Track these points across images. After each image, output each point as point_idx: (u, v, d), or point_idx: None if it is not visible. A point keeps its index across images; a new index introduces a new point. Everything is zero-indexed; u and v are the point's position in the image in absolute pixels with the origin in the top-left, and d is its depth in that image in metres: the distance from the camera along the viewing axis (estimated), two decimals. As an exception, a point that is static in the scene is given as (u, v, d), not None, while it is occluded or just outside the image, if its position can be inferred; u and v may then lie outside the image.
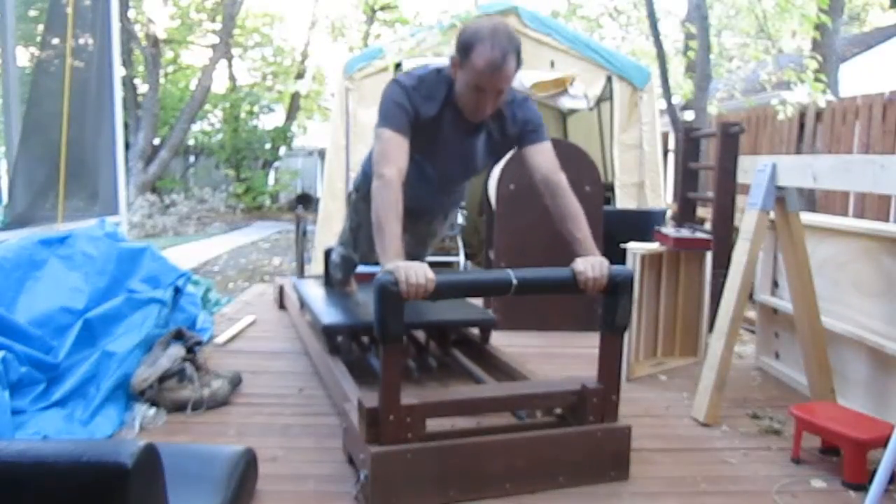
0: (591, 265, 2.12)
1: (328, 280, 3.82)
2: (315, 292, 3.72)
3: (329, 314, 3.16)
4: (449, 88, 2.32)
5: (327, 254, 3.83)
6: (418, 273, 1.94)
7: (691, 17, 7.21)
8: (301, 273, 5.05)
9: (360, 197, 2.91)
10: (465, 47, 2.19)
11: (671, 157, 7.59)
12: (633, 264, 3.19)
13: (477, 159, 2.53)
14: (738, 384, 3.18)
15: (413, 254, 3.07)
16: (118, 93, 4.65)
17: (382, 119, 2.29)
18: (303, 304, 3.78)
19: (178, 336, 2.95)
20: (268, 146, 15.88)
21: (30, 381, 2.52)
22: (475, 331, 3.26)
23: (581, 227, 2.24)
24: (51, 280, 2.94)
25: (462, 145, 2.45)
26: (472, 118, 2.33)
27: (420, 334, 3.42)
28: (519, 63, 2.21)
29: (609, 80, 5.75)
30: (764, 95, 8.41)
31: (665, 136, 7.37)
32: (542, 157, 2.37)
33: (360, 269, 3.54)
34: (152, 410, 2.65)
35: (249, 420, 2.68)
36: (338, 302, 3.47)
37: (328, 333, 2.96)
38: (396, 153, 2.22)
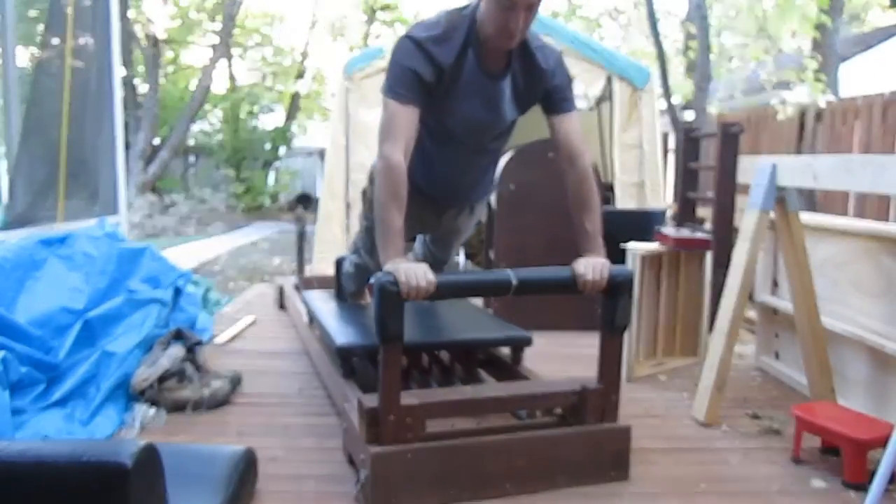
0: (591, 267, 2.10)
1: (339, 292, 3.47)
2: (326, 307, 3.33)
3: (343, 333, 2.80)
4: (470, 26, 2.12)
5: (338, 263, 3.48)
6: (418, 274, 1.92)
7: (691, 17, 7.22)
8: (301, 273, 5.04)
9: (367, 228, 2.75)
10: None
11: (671, 157, 7.60)
12: (633, 264, 3.19)
13: (504, 107, 2.27)
14: (738, 384, 3.18)
15: (439, 258, 2.94)
16: (118, 93, 4.65)
17: (388, 87, 2.11)
18: (312, 320, 3.45)
19: (178, 336, 2.95)
20: (268, 146, 15.90)
21: (30, 381, 2.51)
22: (506, 350, 2.91)
23: (594, 220, 2.18)
24: (51, 280, 2.93)
25: (486, 91, 2.21)
26: (503, 45, 2.10)
27: (444, 355, 3.07)
28: None
29: (609, 80, 5.75)
30: (764, 95, 8.41)
31: (665, 136, 7.37)
32: (571, 127, 2.24)
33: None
34: (152, 410, 2.65)
35: (249, 420, 2.68)
36: (352, 318, 3.08)
37: (343, 356, 2.63)
38: (402, 128, 2.06)
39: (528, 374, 2.69)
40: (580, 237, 2.20)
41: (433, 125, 2.23)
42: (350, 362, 2.63)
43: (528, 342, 2.78)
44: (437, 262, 2.91)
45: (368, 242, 2.77)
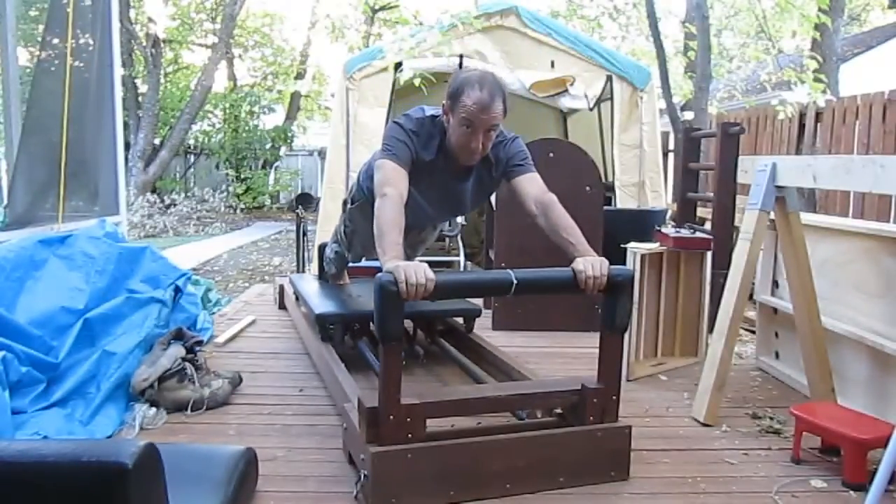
0: (591, 264, 2.13)
1: (322, 274, 4.03)
2: (310, 286, 3.90)
3: (322, 305, 3.34)
4: (442, 136, 2.45)
5: (321, 249, 4.05)
6: (418, 273, 1.94)
7: (691, 17, 7.21)
8: (301, 273, 5.05)
9: (356, 207, 3.07)
10: (456, 92, 2.33)
11: (671, 157, 7.59)
12: (633, 264, 3.19)
13: (466, 201, 2.71)
14: (738, 384, 3.18)
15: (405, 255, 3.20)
16: (118, 93, 4.65)
17: (386, 151, 2.41)
18: (298, 297, 3.98)
19: (178, 336, 2.95)
20: (268, 146, 15.89)
21: (30, 381, 2.51)
22: (460, 321, 3.44)
23: (574, 234, 2.27)
24: (51, 280, 2.93)
25: (454, 189, 2.61)
26: (465, 161, 2.45)
27: (408, 324, 3.46)
28: (506, 108, 2.35)
29: (609, 80, 5.75)
30: (764, 95, 8.42)
31: (665, 136, 7.37)
32: (531, 184, 2.45)
33: (358, 263, 3.76)
34: (152, 410, 2.65)
35: (249, 420, 2.68)
36: (331, 294, 3.64)
37: (321, 322, 3.16)
38: (398, 180, 2.34)
39: (529, 373, 2.69)
40: (569, 250, 2.24)
41: (411, 199, 2.46)
42: (327, 329, 3.15)
43: (478, 314, 3.38)
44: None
45: (346, 242, 3.40)
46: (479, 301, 3.82)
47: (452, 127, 2.38)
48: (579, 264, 2.14)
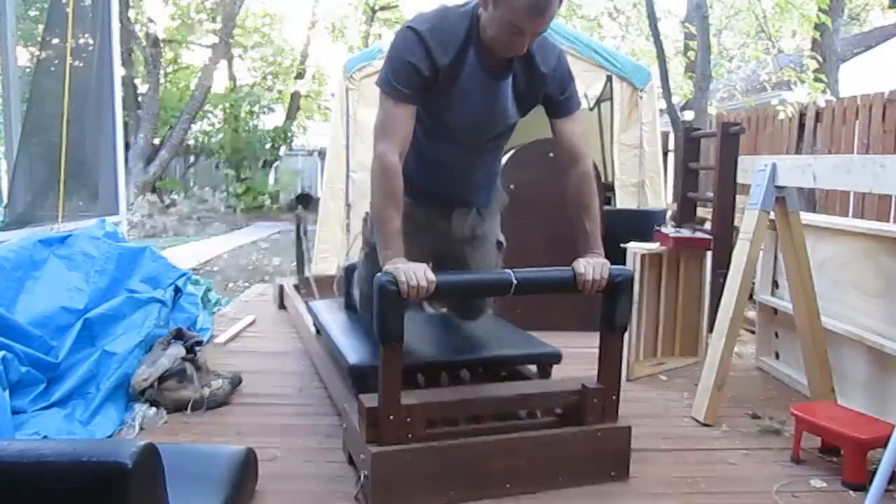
0: (592, 267, 2.10)
1: (349, 302, 3.11)
2: (335, 318, 3.03)
3: (356, 350, 2.53)
4: (471, 25, 2.05)
5: (348, 271, 3.14)
6: (418, 273, 1.91)
7: (691, 17, 7.21)
8: (301, 273, 5.04)
9: (367, 254, 2.49)
10: None
11: (671, 157, 7.59)
12: (633, 264, 3.19)
13: (507, 108, 2.19)
14: (738, 384, 3.18)
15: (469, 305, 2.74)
16: (118, 93, 4.65)
17: (386, 80, 2.06)
18: (319, 331, 3.17)
19: (178, 336, 2.95)
20: (268, 146, 15.88)
21: (30, 381, 2.51)
22: (532, 367, 2.69)
23: (593, 219, 2.18)
24: (51, 280, 2.93)
25: (488, 90, 2.14)
26: (506, 55, 2.06)
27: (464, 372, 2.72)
28: (561, 2, 1.97)
29: (609, 80, 5.74)
30: (764, 95, 8.41)
31: (665, 136, 7.37)
32: (574, 129, 2.22)
33: None
34: (152, 410, 2.65)
35: (249, 420, 2.68)
36: (365, 333, 2.72)
37: (356, 376, 2.37)
38: (398, 127, 2.03)
39: (528, 373, 2.69)
40: (580, 237, 2.20)
41: (432, 123, 2.19)
42: (364, 384, 2.30)
43: (557, 359, 2.57)
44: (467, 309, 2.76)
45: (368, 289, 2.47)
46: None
47: (492, 22, 1.97)
48: (580, 266, 2.11)
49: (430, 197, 2.32)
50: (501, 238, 2.61)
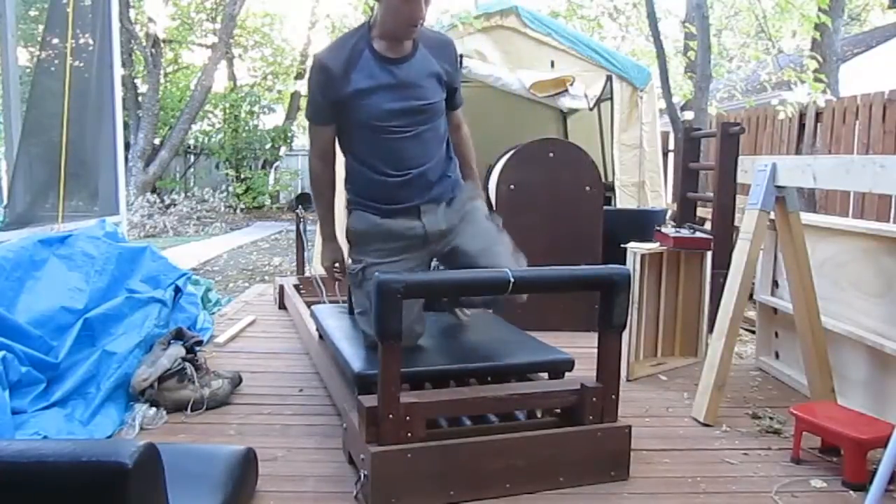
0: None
1: (352, 307, 2.94)
2: (339, 325, 2.92)
3: (361, 357, 2.44)
4: (363, 30, 2.44)
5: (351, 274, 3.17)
6: (325, 256, 2.54)
7: (691, 17, 7.21)
8: (301, 272, 5.04)
9: (357, 284, 2.59)
10: None
11: (671, 157, 7.59)
12: (632, 264, 3.19)
13: (422, 83, 2.44)
14: (738, 384, 3.18)
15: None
16: (118, 93, 4.66)
17: (306, 112, 2.59)
18: (322, 336, 3.08)
19: (178, 336, 2.95)
20: (268, 146, 15.89)
21: (30, 381, 2.51)
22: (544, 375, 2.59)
23: (472, 167, 2.74)
24: (51, 280, 2.93)
25: (391, 75, 2.41)
26: (407, 33, 2.39)
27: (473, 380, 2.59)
28: None
29: (609, 80, 5.75)
30: (764, 95, 8.41)
31: (665, 136, 7.37)
32: (460, 115, 2.71)
33: None
34: (152, 410, 2.65)
35: (249, 420, 2.69)
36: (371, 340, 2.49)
37: (363, 384, 2.26)
38: (319, 142, 2.55)
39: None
40: (466, 174, 2.67)
41: (362, 129, 2.45)
42: (370, 391, 2.17)
43: (569, 366, 2.48)
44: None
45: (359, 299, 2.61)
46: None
47: (387, 10, 2.34)
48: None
49: (395, 211, 2.51)
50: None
